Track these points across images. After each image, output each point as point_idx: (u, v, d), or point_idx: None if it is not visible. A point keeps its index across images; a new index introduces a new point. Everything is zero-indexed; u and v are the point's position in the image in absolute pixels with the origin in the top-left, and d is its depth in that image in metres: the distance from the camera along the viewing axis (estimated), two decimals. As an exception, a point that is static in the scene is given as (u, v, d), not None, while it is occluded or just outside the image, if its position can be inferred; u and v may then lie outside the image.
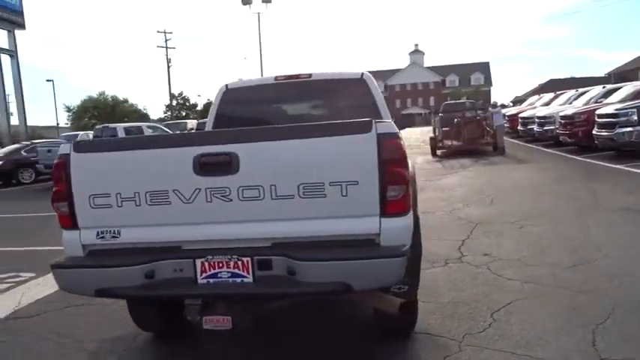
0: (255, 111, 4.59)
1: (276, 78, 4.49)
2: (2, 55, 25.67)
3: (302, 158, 2.39)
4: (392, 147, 2.36)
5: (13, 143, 21.27)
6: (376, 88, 4.35)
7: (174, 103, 61.50)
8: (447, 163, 14.82)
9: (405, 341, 3.20)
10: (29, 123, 27.24)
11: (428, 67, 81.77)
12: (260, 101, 4.57)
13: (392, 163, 2.35)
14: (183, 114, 60.43)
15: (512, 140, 20.02)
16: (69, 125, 51.93)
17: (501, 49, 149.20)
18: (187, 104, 63.86)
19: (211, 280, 2.45)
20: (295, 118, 4.55)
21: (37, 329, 3.79)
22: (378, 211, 2.36)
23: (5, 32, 25.78)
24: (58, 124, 54.34)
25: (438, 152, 17.09)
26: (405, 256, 2.31)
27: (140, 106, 56.66)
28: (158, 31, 54.84)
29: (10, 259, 6.22)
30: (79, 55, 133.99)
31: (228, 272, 2.42)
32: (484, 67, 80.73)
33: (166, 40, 53.91)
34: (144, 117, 51.84)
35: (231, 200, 2.41)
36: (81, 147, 2.54)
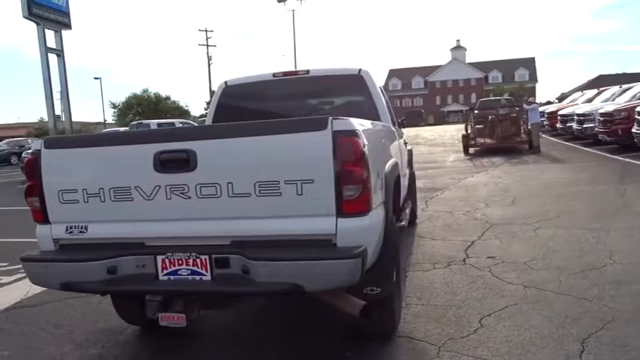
0: (253, 107, 4.59)
1: (274, 74, 4.48)
2: (50, 54, 26.64)
3: (257, 156, 2.35)
4: (348, 145, 2.28)
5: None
6: (374, 84, 4.26)
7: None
8: (478, 161, 14.43)
9: (384, 344, 3.12)
10: (79, 119, 28.43)
11: (470, 63, 79.90)
12: (258, 98, 4.57)
13: (348, 162, 2.27)
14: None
15: (550, 138, 19.29)
16: (115, 121, 53.85)
17: (548, 44, 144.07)
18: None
19: (172, 277, 2.45)
20: (291, 114, 4.52)
21: (36, 319, 3.93)
22: (334, 210, 2.29)
23: (52, 32, 26.74)
24: (105, 120, 56.56)
25: (471, 150, 16.66)
26: (360, 257, 2.23)
27: (182, 103, 57.92)
28: (199, 30, 56.11)
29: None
30: (126, 54, 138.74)
31: (187, 269, 2.42)
32: (529, 63, 78.10)
33: (207, 39, 55.01)
34: (185, 113, 53.00)
35: (189, 197, 2.40)
36: (51, 143, 2.60)
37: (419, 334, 3.22)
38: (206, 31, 54.92)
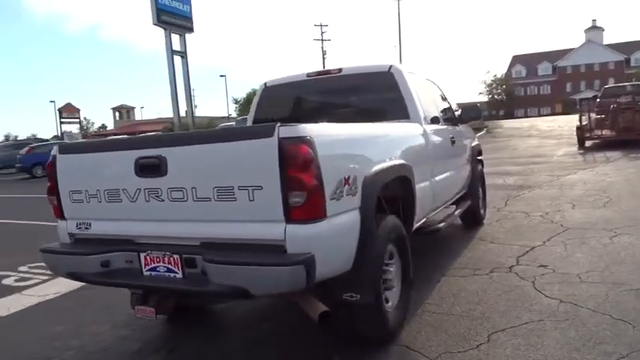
0: (290, 107, 4.70)
1: (307, 74, 4.53)
2: (175, 56, 28.97)
3: (215, 162, 2.44)
4: (293, 152, 2.26)
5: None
6: (405, 81, 4.10)
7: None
8: (591, 155, 13.04)
9: (377, 351, 3.04)
10: (208, 114, 30.81)
11: (608, 45, 71.59)
12: (294, 98, 4.66)
13: (293, 169, 2.27)
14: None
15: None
16: (237, 115, 57.65)
17: None
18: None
19: (153, 273, 2.66)
20: (326, 113, 4.54)
21: (92, 300, 4.45)
22: (283, 217, 2.30)
23: (177, 36, 29.08)
24: (229, 114, 60.80)
25: (587, 143, 15.06)
26: (303, 265, 2.22)
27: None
28: (315, 25, 57.49)
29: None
30: (246, 51, 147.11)
31: (164, 267, 2.61)
32: (683, 41, 67.80)
33: (322, 33, 56.24)
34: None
35: (163, 200, 2.58)
36: (64, 149, 2.96)
37: (417, 344, 3.08)
38: (321, 25, 56.17)
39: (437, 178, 4.19)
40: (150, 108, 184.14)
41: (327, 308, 2.61)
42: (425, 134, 4.00)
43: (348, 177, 2.55)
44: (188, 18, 28.58)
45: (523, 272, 4.22)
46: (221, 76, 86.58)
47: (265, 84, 4.72)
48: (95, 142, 3.18)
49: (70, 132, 61.22)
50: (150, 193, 2.61)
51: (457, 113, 5.34)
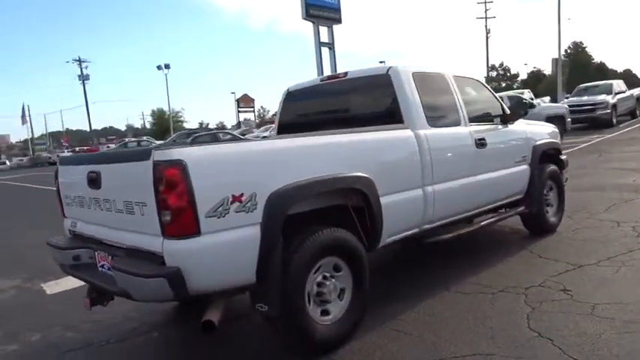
0: (307, 112, 4.81)
1: (321, 79, 4.58)
2: (323, 48, 30.15)
3: (123, 179, 2.78)
4: (163, 174, 2.44)
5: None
6: (402, 84, 3.90)
7: (494, 74, 59.82)
8: None
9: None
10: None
11: None
12: (311, 102, 4.75)
13: (162, 189, 2.46)
14: (503, 85, 58.20)
15: None
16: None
17: None
18: (508, 74, 61.00)
19: (101, 270, 3.13)
20: (334, 118, 4.56)
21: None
22: (160, 232, 2.52)
23: (325, 28, 30.25)
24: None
25: None
26: (166, 278, 2.42)
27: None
28: (478, 2, 54.19)
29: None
30: (412, 35, 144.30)
31: (107, 265, 3.05)
32: None
33: (486, 10, 52.76)
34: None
35: (102, 209, 3.01)
36: (61, 161, 3.61)
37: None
38: (485, 2, 52.73)
39: (438, 186, 3.91)
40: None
41: (217, 318, 2.76)
42: (417, 141, 3.77)
43: (241, 194, 2.64)
44: (336, 10, 29.38)
45: (534, 296, 3.73)
46: (380, 62, 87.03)
47: (288, 89, 4.89)
48: (77, 157, 3.78)
49: (247, 120, 67.85)
50: (95, 201, 3.08)
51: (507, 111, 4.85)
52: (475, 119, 4.58)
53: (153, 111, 76.06)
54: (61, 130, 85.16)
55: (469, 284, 4.11)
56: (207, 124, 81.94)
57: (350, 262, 3.24)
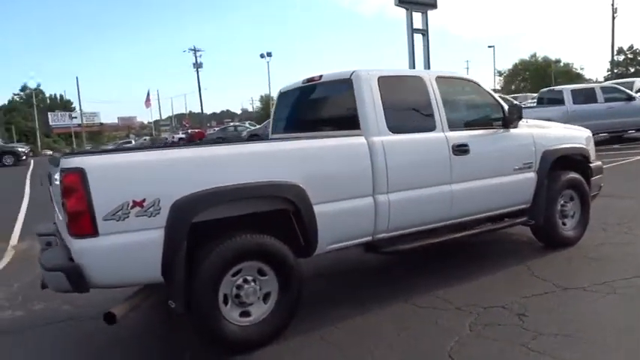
0: (292, 112, 4.88)
1: (302, 81, 4.61)
2: (415, 34, 29.41)
3: (55, 182, 3.12)
4: (63, 180, 2.72)
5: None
6: (361, 89, 3.82)
7: (622, 58, 53.60)
8: None
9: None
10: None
11: None
12: (295, 104, 4.81)
13: (63, 194, 2.74)
14: (632, 70, 51.95)
15: None
16: (500, 89, 54.34)
17: None
18: (638, 58, 54.20)
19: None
20: (308, 120, 4.63)
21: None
22: (68, 231, 2.83)
23: (419, 14, 29.46)
24: (494, 88, 57.84)
25: None
26: (62, 272, 2.71)
27: (576, 66, 52.43)
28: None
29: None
30: (532, 17, 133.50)
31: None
32: None
33: (614, -11, 47.25)
34: (577, 78, 47.98)
35: (57, 206, 3.41)
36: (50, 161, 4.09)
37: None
38: (613, -21, 47.21)
39: (396, 195, 3.79)
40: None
41: (121, 311, 3.00)
42: (369, 148, 3.69)
43: (142, 200, 2.85)
44: (433, -7, 28.40)
45: (485, 318, 3.49)
46: (489, 46, 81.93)
47: (280, 90, 4.99)
48: (53, 158, 4.20)
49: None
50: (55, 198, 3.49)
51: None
52: (461, 124, 4.34)
53: (261, 96, 79.61)
54: (184, 112, 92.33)
55: (432, 298, 3.94)
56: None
57: (276, 267, 3.31)
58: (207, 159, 3.20)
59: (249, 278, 3.26)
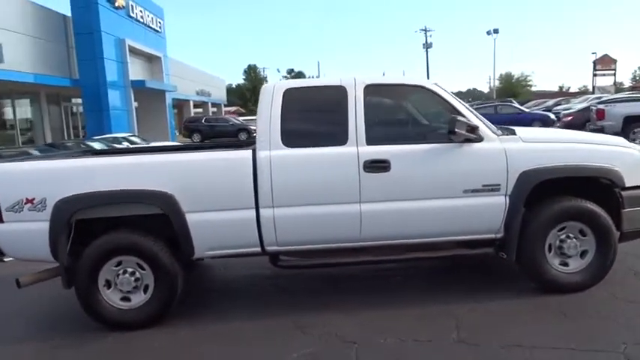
0: None
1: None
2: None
3: None
4: None
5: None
6: (262, 102, 3.92)
7: None
8: None
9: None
10: None
11: None
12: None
13: None
14: None
15: None
16: None
17: None
18: None
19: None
20: None
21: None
22: None
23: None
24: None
25: None
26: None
27: None
28: None
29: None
30: None
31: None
32: None
33: None
34: None
35: None
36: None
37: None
38: None
39: (283, 210, 3.76)
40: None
41: (27, 280, 3.86)
42: (254, 162, 3.76)
43: (33, 198, 3.67)
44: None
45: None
46: None
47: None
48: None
49: (603, 87, 58.58)
50: None
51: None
52: (391, 137, 3.95)
53: (501, 75, 74.62)
54: None
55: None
56: (569, 88, 75.62)
57: (150, 263, 3.80)
58: (86, 168, 3.84)
59: (130, 270, 3.83)
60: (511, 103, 25.77)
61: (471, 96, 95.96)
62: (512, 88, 63.72)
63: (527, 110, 24.29)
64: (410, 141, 3.91)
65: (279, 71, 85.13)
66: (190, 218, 3.74)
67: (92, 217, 3.81)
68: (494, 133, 3.98)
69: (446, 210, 3.87)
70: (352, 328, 3.58)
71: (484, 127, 3.94)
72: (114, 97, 21.17)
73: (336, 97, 3.93)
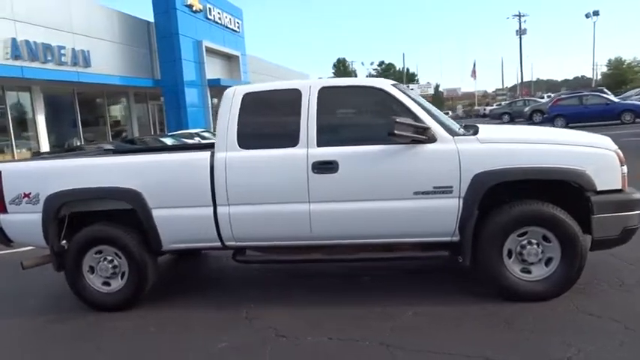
0: None
1: None
2: None
3: None
4: None
5: None
6: (222, 106, 4.17)
7: None
8: None
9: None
10: None
11: None
12: None
13: None
14: None
15: None
16: None
17: None
18: None
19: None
20: None
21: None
22: None
23: None
24: None
25: None
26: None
27: None
28: None
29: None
30: None
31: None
32: None
33: None
34: None
35: None
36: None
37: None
38: None
39: (237, 208, 3.99)
40: None
41: (30, 263, 4.44)
42: (210, 163, 4.02)
43: (29, 193, 4.24)
44: None
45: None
46: None
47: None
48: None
49: None
50: None
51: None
52: (342, 139, 4.02)
53: (609, 60, 68.17)
54: (531, 79, 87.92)
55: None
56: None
57: (124, 253, 4.23)
58: (72, 168, 4.35)
59: (109, 258, 4.30)
60: (600, 94, 23.65)
61: (578, 84, 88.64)
62: (623, 74, 57.71)
63: (617, 100, 22.17)
64: (359, 142, 3.95)
65: (363, 64, 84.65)
66: (156, 214, 4.11)
67: (77, 210, 4.32)
68: (451, 133, 3.89)
69: (396, 211, 3.87)
70: (291, 323, 3.74)
71: (437, 128, 3.87)
72: (191, 96, 22.63)
73: (291, 100, 4.07)
